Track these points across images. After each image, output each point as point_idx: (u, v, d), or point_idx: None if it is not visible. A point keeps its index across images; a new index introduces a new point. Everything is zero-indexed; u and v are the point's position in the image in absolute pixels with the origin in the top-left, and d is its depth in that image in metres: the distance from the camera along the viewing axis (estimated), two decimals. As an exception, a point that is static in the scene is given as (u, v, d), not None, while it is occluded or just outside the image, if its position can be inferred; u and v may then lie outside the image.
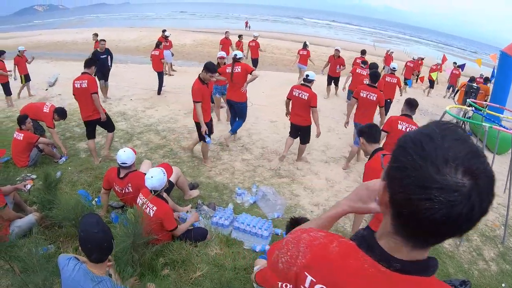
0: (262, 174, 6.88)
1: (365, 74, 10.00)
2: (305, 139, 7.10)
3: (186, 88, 12.32)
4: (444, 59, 18.97)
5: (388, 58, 16.85)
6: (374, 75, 6.95)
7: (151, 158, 7.00)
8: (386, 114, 7.49)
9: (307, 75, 6.70)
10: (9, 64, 10.61)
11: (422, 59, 18.92)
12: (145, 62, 18.35)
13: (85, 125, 6.48)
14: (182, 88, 12.45)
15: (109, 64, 10.99)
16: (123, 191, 4.48)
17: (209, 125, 6.30)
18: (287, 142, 7.17)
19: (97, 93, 6.15)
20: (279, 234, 4.77)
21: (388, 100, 9.21)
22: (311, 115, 6.62)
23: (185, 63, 19.80)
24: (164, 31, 14.69)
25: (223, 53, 8.98)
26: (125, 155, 4.39)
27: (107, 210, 4.81)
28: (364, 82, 8.72)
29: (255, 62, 14.59)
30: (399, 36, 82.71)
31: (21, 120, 6.37)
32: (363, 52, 12.86)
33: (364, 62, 11.11)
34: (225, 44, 13.93)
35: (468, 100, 8.21)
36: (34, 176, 5.98)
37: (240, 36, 15.35)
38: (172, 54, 14.39)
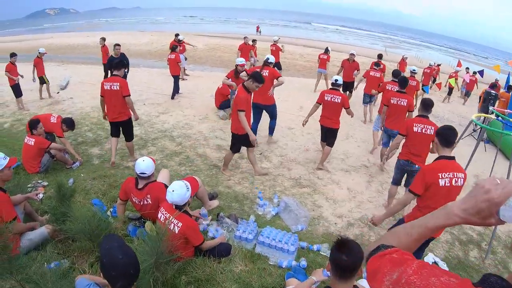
0: (282, 184, 6.59)
1: (379, 76, 10.11)
2: (331, 141, 7.14)
3: (200, 93, 12.19)
4: (459, 65, 18.62)
5: (402, 63, 16.61)
6: (403, 80, 6.94)
7: (167, 165, 6.72)
8: None
9: (336, 80, 6.89)
10: (22, 67, 10.46)
11: (439, 65, 18.67)
12: (156, 66, 18.21)
13: (110, 125, 6.57)
14: (195, 93, 12.26)
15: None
16: (142, 203, 4.17)
17: (246, 136, 6.03)
18: (322, 146, 7.57)
19: (130, 95, 6.23)
20: (304, 248, 4.51)
21: None
22: (339, 118, 6.94)
23: (197, 67, 19.54)
24: (177, 35, 14.45)
25: (242, 60, 8.55)
26: (144, 164, 4.08)
27: (123, 222, 4.50)
28: (387, 87, 8.53)
29: (277, 65, 14.08)
30: (409, 41, 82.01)
31: (33, 124, 6.12)
32: (380, 57, 12.48)
33: (377, 64, 10.79)
34: (244, 50, 13.60)
35: (491, 108, 7.95)
36: (45, 183, 5.68)
37: (254, 41, 15.05)
38: (186, 59, 14.15)
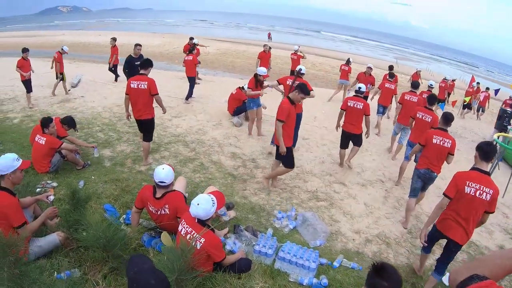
0: (299, 196, 6.37)
1: (393, 88, 10.07)
2: (359, 143, 7.50)
3: (213, 98, 12.00)
4: (472, 80, 18.42)
5: (415, 76, 16.29)
6: (433, 97, 7.09)
7: (181, 172, 6.49)
8: None
9: (360, 87, 7.34)
10: (34, 62, 10.31)
11: (454, 80, 18.44)
12: (169, 69, 18.08)
13: (137, 122, 6.60)
14: (208, 98, 12.07)
15: None
16: (159, 213, 3.94)
17: (290, 150, 5.91)
18: (340, 154, 7.70)
19: (158, 94, 6.26)
20: (323, 264, 4.38)
21: None
22: (363, 123, 7.21)
23: (210, 71, 19.40)
24: (191, 38, 14.27)
25: (265, 71, 8.06)
26: (164, 173, 3.86)
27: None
28: (405, 97, 8.40)
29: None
30: (418, 53, 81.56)
31: (45, 123, 5.90)
32: (391, 68, 12.30)
33: (391, 75, 10.69)
34: (264, 58, 13.36)
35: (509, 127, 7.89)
36: (55, 184, 5.47)
37: (265, 46, 14.82)
38: (199, 62, 13.93)
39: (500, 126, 12.65)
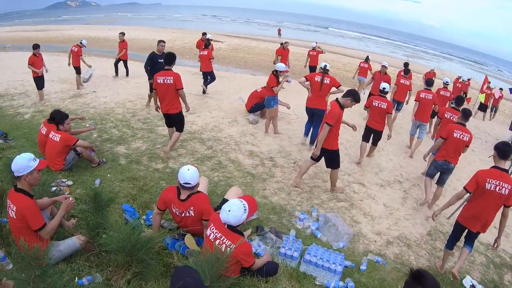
0: (319, 196, 6.22)
1: (408, 84, 10.25)
2: (377, 141, 8.00)
3: (227, 94, 11.82)
4: (486, 80, 18.17)
5: (428, 75, 16.42)
6: (461, 99, 7.58)
7: (199, 170, 6.29)
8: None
9: (384, 88, 7.68)
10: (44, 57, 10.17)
11: (469, 79, 18.30)
12: (180, 64, 17.87)
13: (164, 116, 6.79)
14: (222, 94, 11.90)
15: None
16: (183, 215, 3.75)
17: (337, 153, 6.06)
18: (361, 147, 7.80)
19: (183, 88, 6.38)
20: (348, 267, 4.35)
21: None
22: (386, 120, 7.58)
23: (221, 67, 19.16)
24: (204, 34, 14.06)
25: (284, 67, 8.08)
26: (189, 174, 3.66)
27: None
28: (421, 95, 8.72)
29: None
30: (428, 51, 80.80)
31: (60, 119, 5.73)
32: (406, 65, 12.31)
33: (406, 71, 11.15)
34: (283, 55, 13.26)
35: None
36: (70, 183, 5.29)
37: (283, 44, 14.70)
38: (212, 58, 13.74)
39: None
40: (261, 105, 9.19)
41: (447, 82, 10.87)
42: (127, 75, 13.41)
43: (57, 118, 5.73)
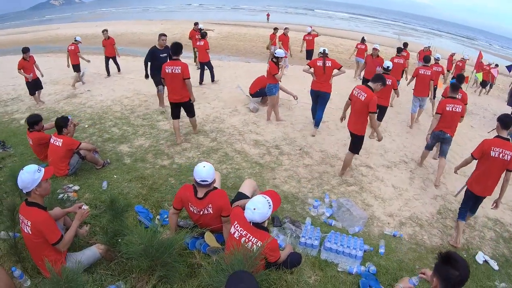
0: (329, 182, 6.19)
1: (402, 62, 10.15)
2: (382, 117, 8.30)
3: (223, 84, 11.63)
4: (480, 56, 18.13)
5: (422, 53, 16.26)
6: (461, 77, 7.86)
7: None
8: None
9: (388, 66, 7.99)
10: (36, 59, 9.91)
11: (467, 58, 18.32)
12: (171, 56, 17.60)
13: (171, 105, 6.79)
14: (219, 84, 11.72)
15: None
16: (201, 213, 3.64)
17: (362, 139, 6.18)
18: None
19: (189, 78, 6.48)
20: (366, 251, 4.38)
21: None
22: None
23: (214, 56, 18.85)
24: (196, 23, 13.78)
25: (283, 53, 8.06)
26: (205, 171, 3.52)
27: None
28: (420, 72, 9.08)
29: (310, 52, 14.50)
30: (418, 28, 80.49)
31: (61, 123, 5.51)
32: (405, 45, 12.57)
33: (399, 49, 11.03)
34: (284, 41, 13.46)
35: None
36: (76, 188, 5.12)
37: (275, 29, 14.75)
38: (209, 49, 13.52)
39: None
40: (264, 92, 8.98)
41: (438, 58, 11.04)
42: (118, 71, 13.11)
43: (58, 122, 5.51)
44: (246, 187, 4.36)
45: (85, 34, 25.86)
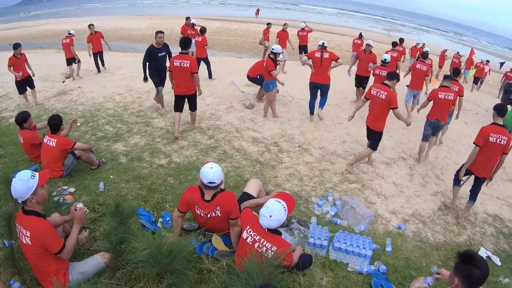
0: (331, 180, 6.12)
1: (396, 55, 10.31)
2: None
3: (218, 79, 11.48)
4: (472, 53, 18.31)
5: (414, 50, 16.69)
6: (458, 71, 8.06)
7: (204, 162, 6.01)
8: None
9: (385, 59, 8.87)
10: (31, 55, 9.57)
11: (458, 53, 18.53)
12: (163, 52, 17.32)
13: (176, 98, 6.89)
14: (213, 80, 11.54)
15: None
16: (208, 215, 3.49)
17: (381, 136, 6.36)
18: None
19: (197, 72, 6.68)
20: (374, 249, 4.27)
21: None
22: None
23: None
24: (188, 18, 13.54)
25: (280, 48, 7.98)
26: (212, 172, 3.37)
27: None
28: (417, 66, 9.35)
29: (304, 48, 14.57)
30: (407, 24, 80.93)
31: (55, 122, 5.24)
32: (401, 41, 12.64)
33: (394, 44, 11.19)
34: (282, 37, 13.42)
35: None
36: (72, 189, 4.90)
37: (268, 24, 14.81)
38: (207, 45, 13.30)
39: (506, 100, 12.89)
40: (262, 79, 8.68)
41: (428, 51, 10.95)
42: (103, 65, 12.67)
43: (52, 123, 5.24)
44: (251, 187, 4.23)
45: (74, 29, 25.48)
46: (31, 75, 9.24)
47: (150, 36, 23.64)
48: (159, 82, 7.95)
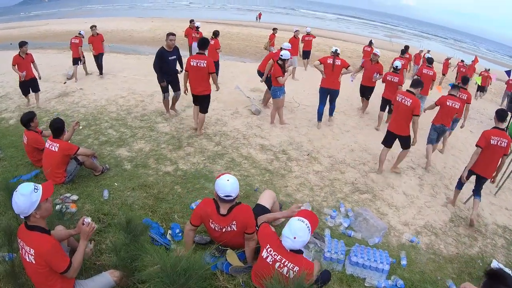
0: (342, 190, 5.98)
1: (403, 62, 10.06)
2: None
3: (222, 84, 11.19)
4: (475, 61, 18.23)
5: (418, 57, 16.68)
6: (466, 79, 8.54)
7: (212, 170, 5.84)
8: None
9: (396, 66, 8.75)
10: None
11: (463, 61, 18.49)
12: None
13: (194, 97, 7.06)
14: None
15: (180, 69, 7.88)
16: (223, 230, 3.29)
17: (410, 137, 6.56)
18: (379, 116, 9.23)
19: (214, 72, 6.84)
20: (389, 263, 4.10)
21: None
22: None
23: (207, 55, 18.55)
24: (192, 21, 13.36)
25: (288, 54, 7.66)
26: (229, 185, 3.16)
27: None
28: (424, 71, 9.68)
29: (308, 53, 14.76)
30: (407, 31, 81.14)
31: (58, 125, 4.98)
32: (406, 48, 12.38)
33: (403, 51, 11.62)
34: (295, 44, 13.10)
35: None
36: (75, 197, 4.68)
37: (274, 29, 14.61)
38: (219, 48, 13.12)
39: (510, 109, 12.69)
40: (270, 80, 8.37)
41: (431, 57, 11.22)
42: (100, 73, 12.07)
43: (55, 126, 4.97)
44: (265, 199, 4.04)
45: (75, 30, 25.20)
46: (37, 78, 8.92)
47: (152, 38, 23.75)
48: (167, 88, 7.66)
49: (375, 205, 5.69)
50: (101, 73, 11.96)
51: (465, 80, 8.40)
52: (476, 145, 5.53)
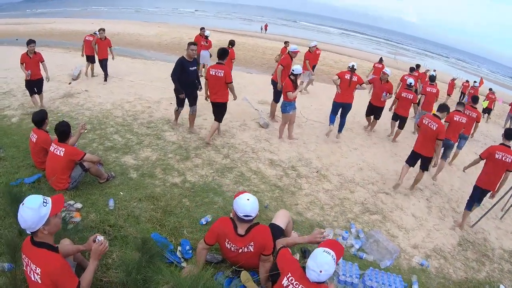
0: (352, 210, 5.90)
1: (435, 91, 10.32)
2: (403, 125, 9.69)
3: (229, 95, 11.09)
4: (481, 82, 18.29)
5: (424, 76, 16.20)
6: (476, 98, 9.00)
7: (221, 184, 5.67)
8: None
9: (410, 83, 9.20)
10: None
11: (467, 81, 18.59)
12: (171, 61, 17.04)
13: (212, 105, 7.23)
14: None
15: (200, 86, 7.54)
16: (240, 251, 3.13)
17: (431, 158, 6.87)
18: (391, 125, 9.95)
19: (232, 82, 6.95)
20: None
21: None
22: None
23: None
24: (202, 29, 13.28)
25: (300, 69, 7.55)
26: (249, 205, 3.01)
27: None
28: (427, 89, 10.21)
29: (314, 67, 14.10)
30: (411, 49, 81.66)
31: (64, 130, 4.80)
32: (417, 66, 13.09)
33: (412, 69, 12.56)
34: (311, 59, 12.75)
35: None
36: (79, 205, 4.47)
37: (286, 43, 14.36)
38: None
39: None
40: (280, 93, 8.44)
41: (434, 75, 11.67)
42: (105, 80, 11.66)
43: (61, 129, 4.80)
44: (280, 218, 3.88)
45: (81, 30, 25.04)
46: (45, 79, 8.69)
47: (158, 44, 23.75)
48: (182, 102, 7.43)
49: (385, 227, 5.63)
50: (105, 79, 11.59)
51: (475, 99, 8.88)
52: (479, 156, 6.10)
